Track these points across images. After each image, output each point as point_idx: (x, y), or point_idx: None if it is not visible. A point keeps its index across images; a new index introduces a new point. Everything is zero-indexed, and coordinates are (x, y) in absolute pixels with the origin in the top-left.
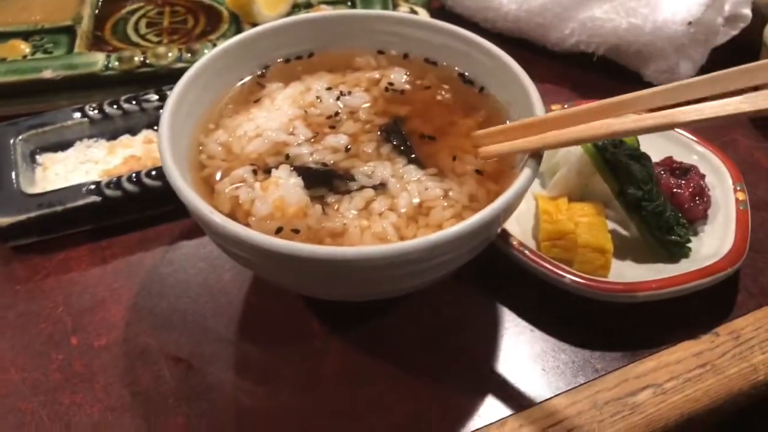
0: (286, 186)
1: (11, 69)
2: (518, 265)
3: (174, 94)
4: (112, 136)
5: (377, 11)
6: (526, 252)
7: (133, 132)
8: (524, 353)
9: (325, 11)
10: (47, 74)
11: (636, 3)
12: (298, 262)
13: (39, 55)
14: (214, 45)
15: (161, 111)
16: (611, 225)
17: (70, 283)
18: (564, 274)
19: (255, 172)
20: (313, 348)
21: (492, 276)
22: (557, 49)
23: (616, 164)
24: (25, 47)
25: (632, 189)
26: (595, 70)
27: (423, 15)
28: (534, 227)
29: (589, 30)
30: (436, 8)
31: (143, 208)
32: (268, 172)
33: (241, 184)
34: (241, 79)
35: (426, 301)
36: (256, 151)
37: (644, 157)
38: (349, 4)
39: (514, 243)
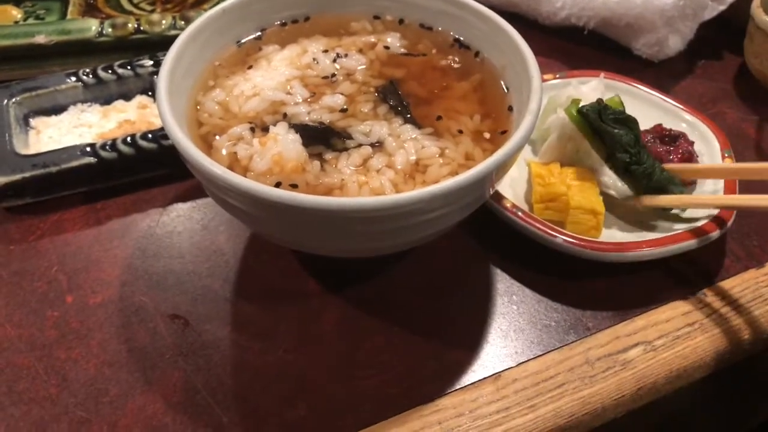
0: (285, 142)
1: (3, 34)
2: (511, 226)
3: (172, 52)
4: (106, 101)
5: None
6: (520, 213)
7: (127, 97)
8: (517, 312)
9: None
10: (40, 39)
11: None
12: (299, 213)
13: (31, 21)
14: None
15: (157, 74)
16: (603, 190)
17: (64, 244)
18: (556, 234)
19: (253, 129)
20: (310, 307)
21: (486, 237)
22: (548, 23)
23: (601, 129)
24: (17, 13)
25: (620, 153)
26: (586, 43)
27: None
28: (527, 192)
29: (581, 3)
30: None
31: (138, 171)
32: (265, 130)
33: (239, 141)
34: (239, 41)
35: (421, 260)
36: (253, 110)
37: (630, 120)
38: None
39: (508, 205)
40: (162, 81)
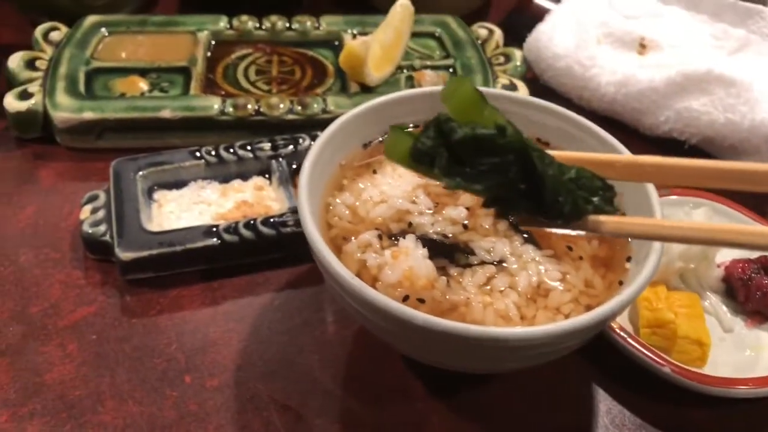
0: (415, 257)
1: (132, 106)
2: (618, 349)
3: (312, 155)
4: (224, 179)
5: (493, 89)
6: (628, 339)
7: (245, 177)
8: None
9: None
10: (166, 114)
11: (735, 100)
12: (432, 334)
13: (156, 93)
14: (324, 100)
15: (274, 158)
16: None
17: (182, 321)
18: (664, 363)
19: (380, 237)
20: (416, 409)
21: (591, 354)
22: (649, 134)
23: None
24: (143, 84)
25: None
26: (686, 157)
27: (522, 88)
28: (631, 312)
29: (685, 120)
30: (530, 78)
31: (255, 254)
32: (391, 237)
33: (367, 248)
34: (365, 143)
35: (528, 371)
36: (380, 216)
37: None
38: (451, 71)
39: (616, 327)
40: (303, 185)
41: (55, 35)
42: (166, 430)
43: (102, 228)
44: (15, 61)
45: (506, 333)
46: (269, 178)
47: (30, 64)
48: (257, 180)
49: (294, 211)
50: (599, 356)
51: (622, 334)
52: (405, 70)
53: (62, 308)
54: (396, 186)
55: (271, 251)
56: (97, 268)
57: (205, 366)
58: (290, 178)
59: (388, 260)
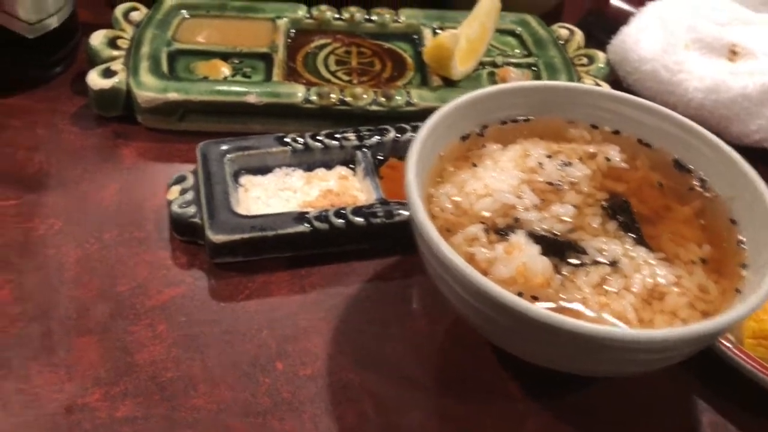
0: (529, 253)
1: (217, 89)
2: (722, 359)
3: (417, 144)
4: (309, 167)
5: (593, 86)
6: (732, 348)
7: (328, 166)
8: None
9: (534, 81)
10: (251, 99)
11: None
12: (560, 334)
13: (239, 77)
14: (408, 93)
15: (359, 148)
16: None
17: (271, 308)
18: None
19: (486, 231)
20: (514, 408)
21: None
22: (737, 142)
23: None
24: (225, 68)
25: None
26: None
27: (606, 89)
28: None
29: None
30: (612, 82)
31: (342, 243)
32: (497, 232)
33: (474, 241)
34: (463, 135)
35: (631, 379)
36: (485, 210)
37: None
38: (534, 69)
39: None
40: (410, 180)
41: (135, 15)
42: (260, 418)
43: (191, 209)
44: (98, 38)
45: (639, 335)
46: (353, 168)
47: (111, 43)
48: (341, 169)
49: (382, 202)
50: (700, 366)
51: (727, 344)
52: (486, 67)
53: (150, 288)
54: (500, 180)
55: (359, 241)
56: (183, 249)
57: (297, 353)
58: (375, 170)
59: (499, 255)
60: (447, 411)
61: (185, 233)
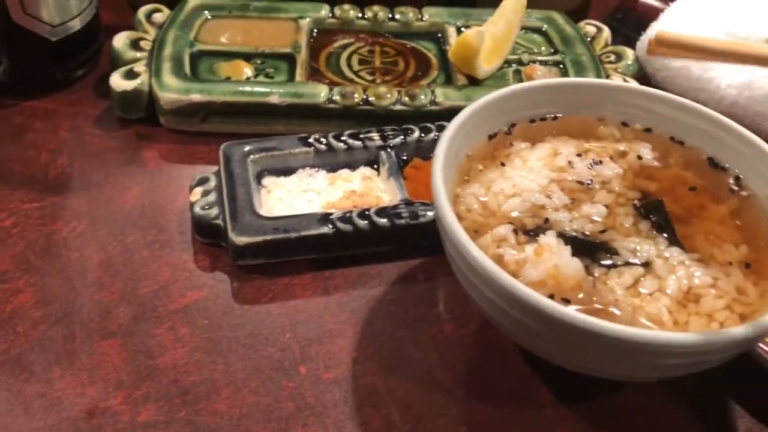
0: (561, 255)
1: (240, 90)
2: (758, 362)
3: (443, 143)
4: (332, 168)
5: (624, 83)
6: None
7: (352, 167)
8: None
9: (561, 78)
10: (273, 99)
11: None
12: (593, 337)
13: (261, 78)
14: (432, 92)
15: (383, 149)
16: None
17: (295, 310)
18: None
19: (515, 232)
20: (543, 414)
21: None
22: None
23: None
24: (247, 69)
25: None
26: None
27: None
28: None
29: None
30: (640, 78)
31: (365, 245)
32: (526, 233)
33: (502, 242)
34: (490, 134)
35: (663, 383)
36: (514, 210)
37: None
38: (561, 67)
39: None
40: (438, 180)
41: (158, 17)
42: (283, 423)
43: (214, 211)
44: (120, 40)
45: (676, 339)
46: (377, 169)
47: (134, 45)
48: (364, 170)
49: (407, 203)
50: (736, 370)
51: (766, 348)
52: (512, 65)
53: (172, 291)
54: (529, 179)
55: (384, 242)
56: (206, 251)
57: (321, 357)
58: (399, 170)
59: (529, 257)
60: (475, 418)
61: (208, 235)
